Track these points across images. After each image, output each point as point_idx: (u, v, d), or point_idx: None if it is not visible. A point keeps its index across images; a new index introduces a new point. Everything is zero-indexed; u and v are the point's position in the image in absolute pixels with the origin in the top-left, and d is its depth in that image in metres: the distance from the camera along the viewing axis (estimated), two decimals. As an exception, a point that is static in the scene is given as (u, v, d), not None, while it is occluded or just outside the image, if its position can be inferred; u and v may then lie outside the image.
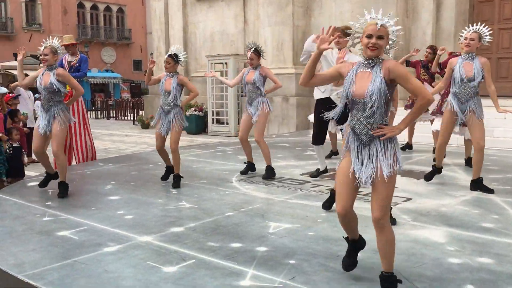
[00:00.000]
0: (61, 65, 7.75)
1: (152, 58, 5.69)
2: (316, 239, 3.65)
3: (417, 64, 7.62)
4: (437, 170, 5.35)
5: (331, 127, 6.39)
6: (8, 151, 6.40)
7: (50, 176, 5.39)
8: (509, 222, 4.00)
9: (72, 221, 4.18)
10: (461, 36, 5.12)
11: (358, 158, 2.62)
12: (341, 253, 3.32)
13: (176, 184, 5.45)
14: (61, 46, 5.30)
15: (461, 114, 4.95)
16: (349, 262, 2.95)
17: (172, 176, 5.55)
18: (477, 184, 5.03)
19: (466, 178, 5.66)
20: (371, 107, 2.53)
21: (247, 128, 6.02)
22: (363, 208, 4.05)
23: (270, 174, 5.86)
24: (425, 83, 7.39)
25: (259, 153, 6.11)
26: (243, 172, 6.13)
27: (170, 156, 5.62)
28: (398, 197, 4.84)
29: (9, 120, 7.21)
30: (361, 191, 4.95)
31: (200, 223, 4.10)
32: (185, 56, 5.58)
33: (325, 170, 5.81)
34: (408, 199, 4.77)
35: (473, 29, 4.98)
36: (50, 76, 5.01)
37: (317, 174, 5.83)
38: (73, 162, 7.51)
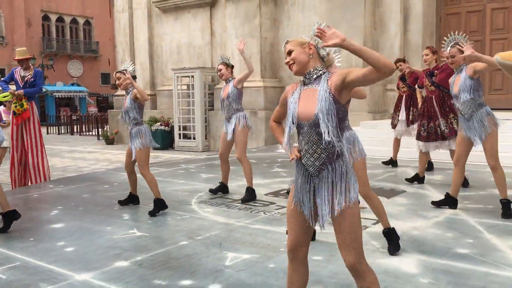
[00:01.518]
0: (12, 78, 7.26)
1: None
2: (277, 272, 3.26)
3: (421, 77, 6.53)
4: (451, 199, 4.80)
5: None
6: None
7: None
8: (485, 247, 3.71)
9: (4, 256, 3.69)
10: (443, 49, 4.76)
11: (306, 194, 2.25)
12: (304, 289, 2.96)
13: (154, 212, 4.86)
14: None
15: (468, 133, 4.54)
16: None
17: (154, 200, 4.96)
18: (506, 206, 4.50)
19: (438, 196, 5.40)
20: (318, 130, 2.15)
21: (227, 146, 5.60)
22: (328, 234, 3.70)
23: (250, 196, 5.40)
24: (404, 95, 7.17)
25: (235, 172, 5.71)
26: (212, 191, 5.75)
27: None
28: (367, 219, 4.51)
29: None
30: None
31: (149, 255, 3.66)
32: (133, 67, 5.11)
33: None
34: (378, 222, 4.43)
35: (447, 44, 4.64)
36: None
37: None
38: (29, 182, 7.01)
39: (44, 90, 25.01)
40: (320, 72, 2.24)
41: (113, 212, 5.03)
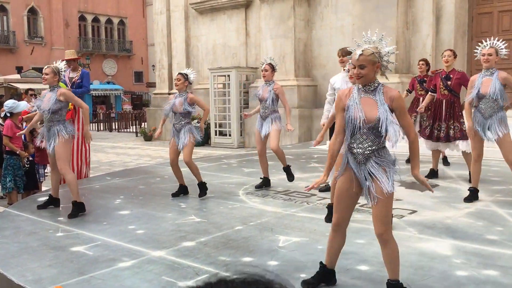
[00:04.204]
0: (63, 81, 7.84)
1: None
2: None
3: (413, 82, 7.78)
4: (474, 191, 5.24)
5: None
6: (26, 165, 6.67)
7: (51, 199, 5.37)
8: (513, 234, 4.08)
9: (85, 236, 4.27)
10: (476, 52, 5.18)
11: (359, 174, 2.81)
12: (351, 266, 3.42)
13: (202, 193, 5.62)
14: (62, 61, 5.39)
15: (482, 130, 5.01)
16: (310, 280, 3.03)
17: (197, 185, 5.69)
18: None
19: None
20: (376, 132, 2.72)
21: (263, 144, 6.13)
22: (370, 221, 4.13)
23: (290, 175, 6.13)
24: (421, 98, 7.44)
25: (275, 167, 6.22)
26: (257, 187, 6.19)
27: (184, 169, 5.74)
28: (403, 209, 4.93)
29: (29, 135, 7.30)
30: (364, 204, 5.08)
31: (211, 237, 4.18)
32: (194, 75, 5.72)
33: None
34: (414, 212, 4.86)
35: (489, 44, 5.03)
36: (51, 96, 5.04)
37: (326, 188, 5.79)
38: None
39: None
40: (376, 84, 2.78)
41: (170, 202, 5.59)
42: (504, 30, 10.78)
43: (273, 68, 6.00)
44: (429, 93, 6.64)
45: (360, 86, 2.81)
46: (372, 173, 2.74)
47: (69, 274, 3.38)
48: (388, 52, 2.77)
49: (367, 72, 2.72)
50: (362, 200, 5.38)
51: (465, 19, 11.28)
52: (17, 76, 24.95)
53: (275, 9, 13.02)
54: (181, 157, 5.68)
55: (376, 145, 2.75)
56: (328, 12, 12.64)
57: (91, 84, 30.42)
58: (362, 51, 2.72)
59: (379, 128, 2.70)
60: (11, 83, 24.06)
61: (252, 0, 14.13)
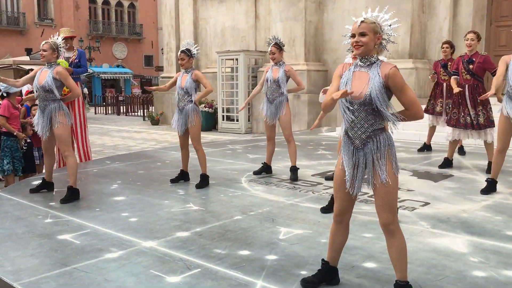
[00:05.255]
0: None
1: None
2: (329, 247, 3.43)
3: (436, 66, 7.29)
4: (493, 182, 4.88)
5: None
6: (24, 147, 6.45)
7: (45, 183, 5.15)
8: (535, 231, 3.75)
9: (75, 224, 4.02)
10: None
11: (351, 163, 2.55)
12: (356, 263, 3.13)
13: (200, 185, 5.29)
14: (59, 35, 5.13)
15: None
16: (310, 279, 2.77)
17: (200, 175, 5.38)
18: None
19: (486, 181, 5.40)
20: (368, 109, 2.45)
21: (272, 129, 5.78)
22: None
23: (297, 175, 5.66)
24: (444, 84, 7.07)
25: (281, 153, 5.91)
26: (256, 172, 5.93)
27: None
28: (416, 201, 4.61)
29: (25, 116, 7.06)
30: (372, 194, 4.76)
31: (207, 227, 3.91)
32: (197, 49, 5.38)
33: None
34: (426, 204, 4.53)
35: None
36: (47, 73, 4.76)
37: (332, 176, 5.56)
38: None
39: (91, 71, 25.83)
40: (373, 59, 2.51)
41: (169, 188, 5.32)
42: (525, 14, 10.27)
43: (280, 48, 5.62)
44: (452, 76, 6.20)
45: (358, 60, 2.54)
46: (372, 159, 2.47)
47: (51, 265, 3.13)
48: (390, 25, 2.50)
49: (367, 40, 2.45)
50: (370, 190, 5.10)
51: (484, 2, 10.77)
52: (26, 58, 24.77)
53: (286, -10, 12.58)
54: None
55: (372, 126, 2.46)
56: (340, -6, 12.18)
57: (100, 66, 30.49)
58: (364, 18, 2.47)
59: (372, 106, 2.42)
60: (20, 65, 23.91)
61: (262, -19, 13.69)
